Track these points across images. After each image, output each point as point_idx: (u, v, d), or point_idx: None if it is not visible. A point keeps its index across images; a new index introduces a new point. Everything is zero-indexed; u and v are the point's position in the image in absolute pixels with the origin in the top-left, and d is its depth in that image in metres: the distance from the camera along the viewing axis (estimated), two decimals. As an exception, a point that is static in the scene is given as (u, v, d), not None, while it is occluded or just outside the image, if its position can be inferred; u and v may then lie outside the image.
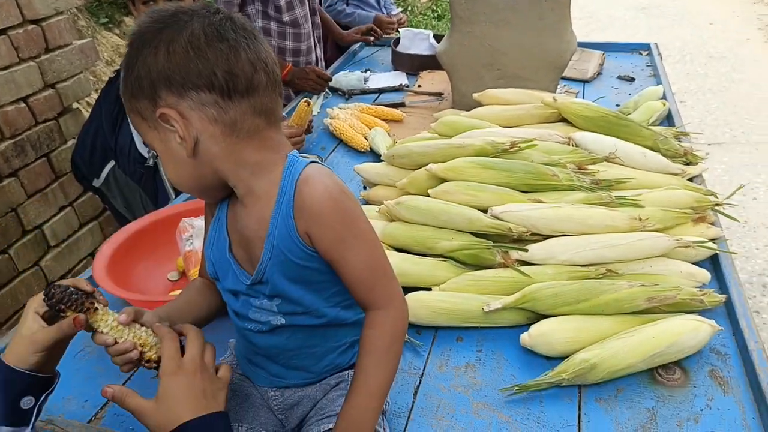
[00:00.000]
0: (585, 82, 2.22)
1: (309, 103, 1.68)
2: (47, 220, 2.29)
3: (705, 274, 1.16)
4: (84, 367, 1.08)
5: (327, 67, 2.61)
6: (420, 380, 1.02)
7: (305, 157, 0.78)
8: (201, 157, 0.72)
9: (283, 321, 0.80)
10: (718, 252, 1.22)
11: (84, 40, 2.41)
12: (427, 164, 1.37)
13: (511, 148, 1.37)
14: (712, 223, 1.29)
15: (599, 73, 2.29)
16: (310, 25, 2.37)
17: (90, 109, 2.63)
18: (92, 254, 2.52)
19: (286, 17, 2.24)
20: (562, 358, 1.02)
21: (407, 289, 1.16)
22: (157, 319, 0.80)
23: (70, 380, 1.05)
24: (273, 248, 0.74)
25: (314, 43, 2.42)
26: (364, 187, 1.60)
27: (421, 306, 1.12)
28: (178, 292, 1.24)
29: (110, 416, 0.97)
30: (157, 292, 1.29)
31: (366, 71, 2.44)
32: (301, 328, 0.81)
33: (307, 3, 2.34)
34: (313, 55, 2.42)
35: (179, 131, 0.71)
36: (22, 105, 2.11)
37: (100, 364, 1.08)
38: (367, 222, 0.78)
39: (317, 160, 0.80)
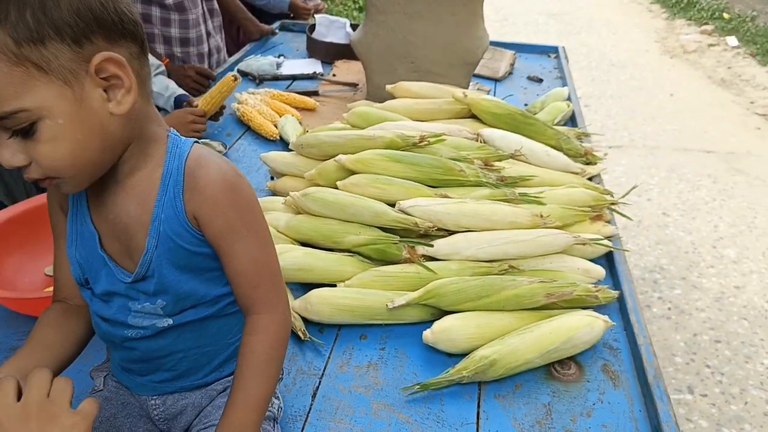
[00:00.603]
0: (496, 80, 2.26)
1: (236, 79, 1.57)
2: None
3: (600, 271, 1.21)
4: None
5: (238, 49, 2.49)
6: (320, 381, 0.98)
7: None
8: (120, 120, 0.62)
9: (171, 322, 0.72)
10: (612, 249, 1.27)
11: None
12: (337, 155, 1.33)
13: (420, 142, 1.35)
14: (608, 222, 1.35)
15: (510, 73, 2.34)
16: (200, 11, 2.15)
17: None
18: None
19: (169, 0, 2.02)
20: (462, 355, 1.01)
21: (311, 286, 1.12)
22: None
23: None
24: (159, 234, 0.66)
25: (208, 31, 2.22)
26: (272, 177, 1.54)
27: (324, 303, 1.08)
28: (53, 288, 1.13)
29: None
30: (31, 289, 1.16)
31: (279, 56, 2.35)
32: (191, 326, 0.74)
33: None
34: (206, 46, 2.22)
35: (125, 81, 0.60)
36: None
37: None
38: (262, 215, 0.73)
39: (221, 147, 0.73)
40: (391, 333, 1.10)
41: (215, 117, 1.77)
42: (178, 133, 0.70)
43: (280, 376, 0.86)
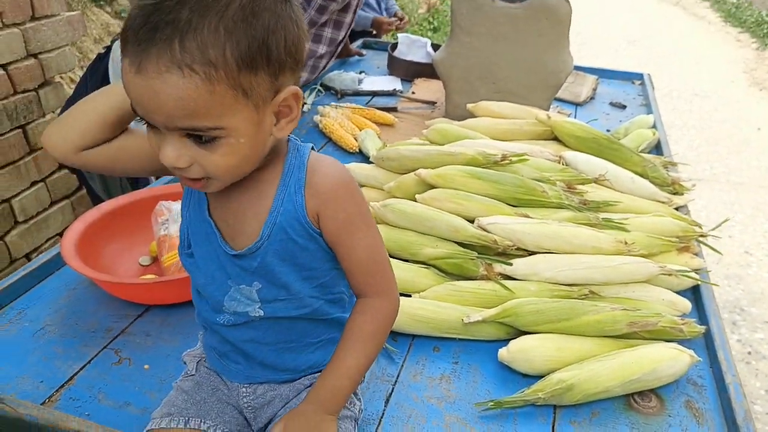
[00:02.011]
0: (577, 104, 2.23)
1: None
2: (17, 194, 2.20)
3: (686, 304, 1.16)
4: (42, 346, 1.03)
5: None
6: (393, 388, 0.99)
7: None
8: (274, 139, 0.68)
9: (262, 313, 0.76)
10: (700, 283, 1.22)
11: (72, 13, 2.34)
12: (417, 169, 1.35)
13: (502, 160, 1.35)
14: (696, 254, 1.29)
15: (592, 98, 2.30)
16: (331, 50, 2.32)
17: (73, 86, 2.56)
18: (60, 234, 2.43)
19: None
20: (538, 376, 1.00)
21: (387, 294, 1.14)
22: None
23: (26, 359, 1.00)
24: (274, 225, 0.71)
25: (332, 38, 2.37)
26: (350, 188, 1.57)
27: (400, 312, 1.08)
28: (149, 276, 1.20)
29: (65, 399, 0.92)
30: (126, 276, 1.24)
31: (360, 72, 2.41)
32: (279, 321, 0.77)
33: (344, 30, 2.28)
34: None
35: (294, 112, 0.66)
36: (1, 72, 2.03)
37: (59, 344, 1.03)
38: (370, 211, 0.78)
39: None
40: (464, 348, 1.09)
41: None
42: (297, 139, 0.75)
43: (362, 379, 0.88)
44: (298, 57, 0.65)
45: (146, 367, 0.99)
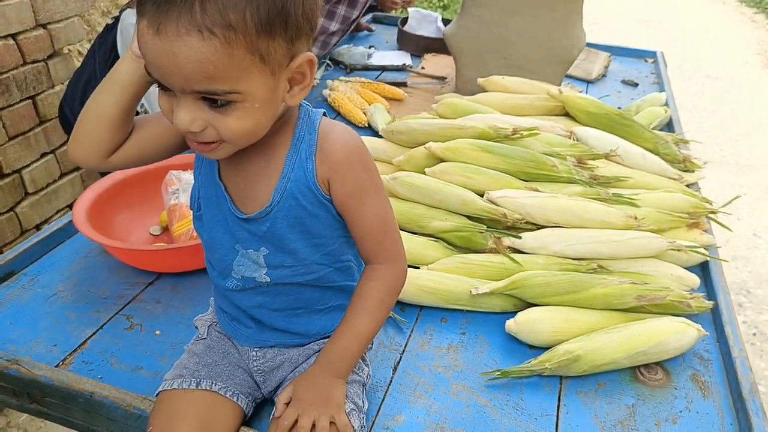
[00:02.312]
0: (589, 82, 2.21)
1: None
2: (27, 165, 2.21)
3: (695, 279, 1.16)
4: (55, 311, 1.04)
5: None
6: (401, 357, 1.00)
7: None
8: (286, 106, 0.68)
9: (268, 279, 0.76)
10: (709, 259, 1.22)
11: (82, -17, 2.33)
12: (426, 143, 1.35)
13: (513, 134, 1.35)
14: (705, 230, 1.29)
15: (603, 75, 2.28)
16: (344, 27, 2.29)
17: (81, 58, 2.54)
18: (70, 206, 2.45)
19: None
20: (545, 348, 1.00)
21: (396, 265, 1.14)
22: None
23: (40, 323, 1.01)
24: (285, 191, 0.71)
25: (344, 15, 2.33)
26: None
27: (408, 283, 1.07)
28: (160, 244, 1.21)
29: (78, 363, 0.94)
30: (138, 244, 1.25)
31: (370, 47, 2.39)
32: (287, 288, 0.78)
33: (360, 9, 2.25)
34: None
35: (307, 79, 0.66)
36: (11, 42, 2.02)
37: (71, 310, 1.05)
38: (381, 179, 0.77)
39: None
40: (471, 319, 1.10)
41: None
42: (309, 104, 0.75)
43: (370, 345, 0.89)
44: (314, 23, 0.64)
45: (157, 332, 1.01)
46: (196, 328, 0.89)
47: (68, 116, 1.89)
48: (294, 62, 0.64)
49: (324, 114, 0.75)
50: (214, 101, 0.61)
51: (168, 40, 0.56)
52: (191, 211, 0.82)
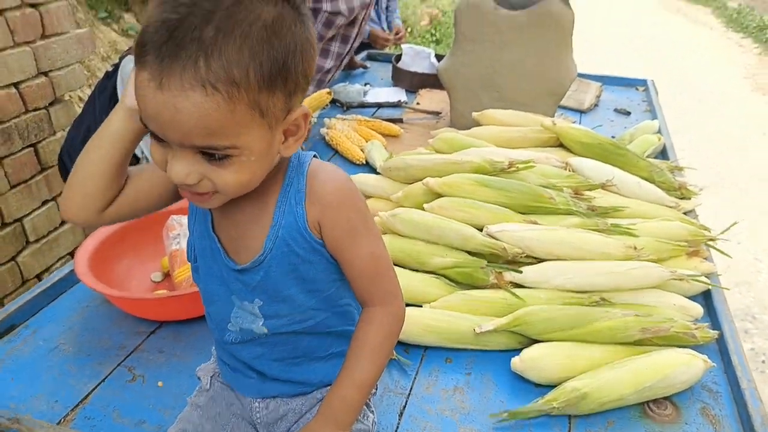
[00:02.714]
0: (581, 112, 2.24)
1: (330, 93, 1.62)
2: (29, 213, 2.22)
3: (698, 309, 1.16)
4: (56, 365, 1.03)
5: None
6: (406, 401, 0.99)
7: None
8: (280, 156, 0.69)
9: (266, 330, 0.76)
10: (711, 287, 1.21)
11: (82, 30, 2.37)
12: (424, 179, 1.36)
13: (509, 167, 1.36)
14: (705, 258, 1.29)
15: (596, 105, 2.31)
16: (337, 64, 2.33)
17: (82, 104, 2.58)
18: (71, 253, 2.45)
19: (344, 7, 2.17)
20: (552, 385, 0.99)
21: (398, 305, 1.14)
22: None
23: (41, 377, 1.00)
24: (277, 239, 0.71)
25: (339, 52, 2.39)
26: (358, 200, 1.58)
27: (411, 323, 1.09)
28: (161, 292, 1.21)
29: (81, 419, 0.92)
30: (139, 291, 1.25)
31: (365, 84, 2.43)
32: (285, 337, 0.77)
33: (350, 43, 2.29)
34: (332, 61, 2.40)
35: (302, 131, 0.67)
36: (13, 91, 2.06)
37: (73, 363, 1.04)
38: (373, 218, 0.77)
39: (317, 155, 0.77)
40: (476, 358, 1.09)
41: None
42: (301, 147, 0.74)
43: (374, 390, 0.88)
44: (310, 78, 0.65)
45: (160, 383, 1.00)
46: (199, 378, 0.88)
47: (67, 165, 1.91)
48: (291, 116, 0.65)
49: (315, 156, 0.75)
50: (211, 155, 0.61)
51: (171, 94, 0.56)
52: None
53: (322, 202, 0.70)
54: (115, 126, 0.72)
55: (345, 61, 2.37)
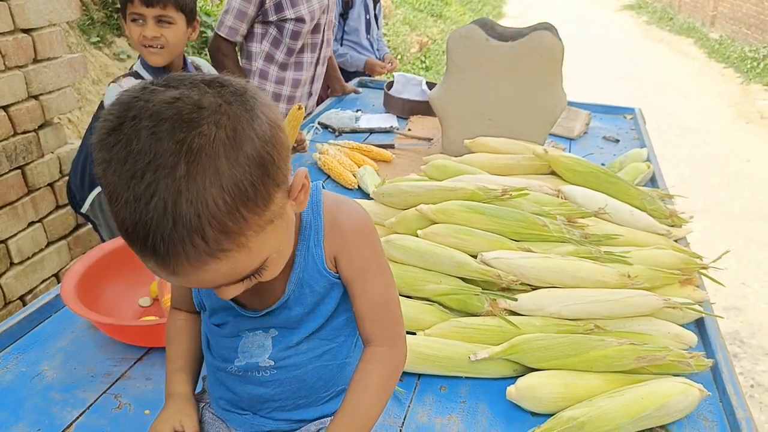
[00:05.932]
0: (571, 139, 2.26)
1: (300, 108, 1.62)
2: (14, 234, 2.18)
3: (692, 337, 1.15)
4: (41, 391, 1.00)
5: (318, 104, 2.62)
6: (401, 430, 0.97)
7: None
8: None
9: (272, 363, 0.75)
10: (705, 315, 1.21)
11: (74, 54, 2.37)
12: (417, 205, 1.36)
13: (502, 195, 1.36)
14: (698, 286, 1.29)
15: (585, 132, 2.34)
16: (316, 56, 2.40)
17: (71, 126, 2.57)
18: (56, 275, 2.40)
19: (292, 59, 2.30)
20: (547, 414, 0.98)
21: (392, 332, 1.13)
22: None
23: (24, 405, 0.97)
24: (298, 280, 0.72)
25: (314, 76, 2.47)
26: (350, 225, 1.57)
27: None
28: (150, 318, 1.18)
29: (64, 449, 0.89)
30: (126, 317, 1.22)
31: (357, 111, 2.45)
32: (289, 372, 0.76)
33: (318, 51, 2.38)
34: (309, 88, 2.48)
35: (307, 185, 0.64)
36: (2, 114, 2.04)
37: (58, 389, 1.01)
38: (386, 258, 0.77)
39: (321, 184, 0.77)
40: (471, 386, 1.08)
41: (299, 149, 1.92)
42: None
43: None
44: (290, 147, 0.66)
45: (147, 412, 0.97)
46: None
47: (74, 193, 1.92)
48: (293, 191, 0.62)
49: (322, 185, 0.75)
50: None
51: (188, 274, 0.55)
52: None
53: (339, 241, 0.72)
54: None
55: (320, 72, 2.47)
